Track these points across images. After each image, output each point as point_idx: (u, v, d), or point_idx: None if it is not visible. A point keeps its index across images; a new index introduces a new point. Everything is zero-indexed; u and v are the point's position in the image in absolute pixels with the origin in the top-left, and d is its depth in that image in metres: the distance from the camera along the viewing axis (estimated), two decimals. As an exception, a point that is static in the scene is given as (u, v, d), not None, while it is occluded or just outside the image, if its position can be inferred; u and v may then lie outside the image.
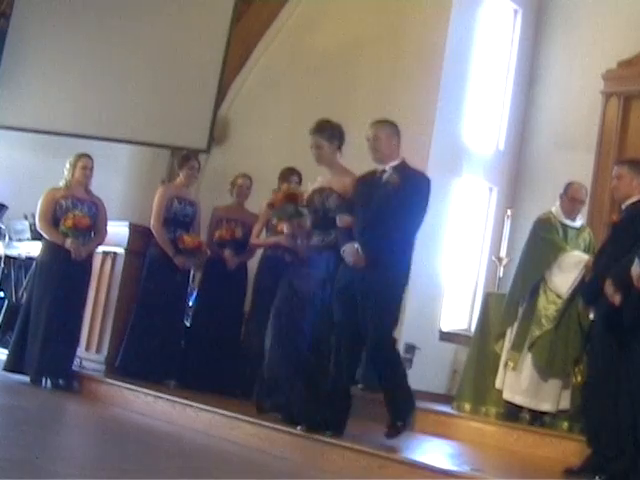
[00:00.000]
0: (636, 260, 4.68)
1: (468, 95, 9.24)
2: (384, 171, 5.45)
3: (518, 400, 6.49)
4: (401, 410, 5.42)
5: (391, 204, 5.31)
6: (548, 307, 6.43)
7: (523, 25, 9.69)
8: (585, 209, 7.85)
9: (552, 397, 6.37)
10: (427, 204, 5.43)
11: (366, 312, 5.28)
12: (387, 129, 5.51)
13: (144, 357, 7.03)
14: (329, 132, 5.70)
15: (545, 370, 6.38)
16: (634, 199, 5.23)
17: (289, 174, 7.07)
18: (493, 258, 8.34)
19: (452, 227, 9.08)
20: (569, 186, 6.70)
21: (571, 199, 6.64)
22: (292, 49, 10.40)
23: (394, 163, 5.45)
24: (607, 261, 5.14)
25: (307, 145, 5.80)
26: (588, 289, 5.46)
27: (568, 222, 6.66)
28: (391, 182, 5.38)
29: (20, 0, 9.59)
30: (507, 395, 6.55)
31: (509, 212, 8.13)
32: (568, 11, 9.46)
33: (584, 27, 9.25)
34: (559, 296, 6.40)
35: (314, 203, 5.70)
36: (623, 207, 5.34)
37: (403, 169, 5.45)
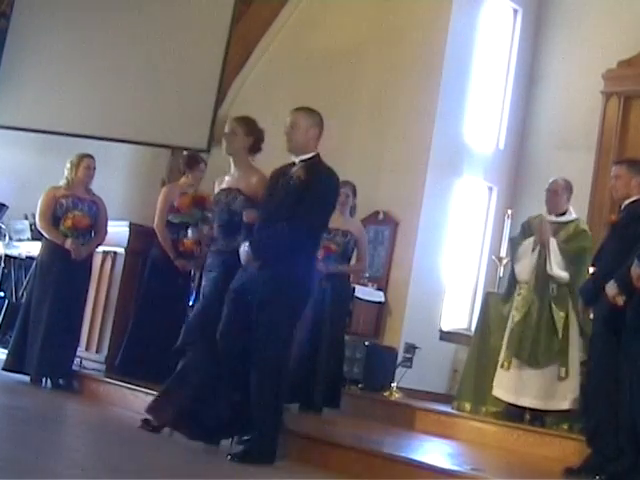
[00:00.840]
0: (636, 260, 4.68)
1: (468, 95, 9.25)
2: (294, 164, 4.98)
3: (498, 393, 6.53)
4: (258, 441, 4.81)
5: (292, 200, 4.82)
6: (517, 298, 6.61)
7: (523, 25, 9.70)
8: (585, 209, 7.85)
9: (534, 391, 6.37)
10: (331, 204, 5.02)
11: (257, 319, 4.79)
12: (308, 118, 5.00)
13: (144, 357, 7.01)
14: (250, 127, 5.32)
15: (519, 361, 6.43)
16: (633, 198, 5.23)
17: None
18: (493, 258, 8.34)
19: (452, 227, 9.09)
20: None
21: (546, 191, 6.65)
22: (292, 49, 10.41)
23: (305, 157, 4.95)
24: (606, 261, 5.14)
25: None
26: (587, 289, 5.45)
27: (552, 218, 6.65)
28: (295, 177, 4.89)
29: (20, 0, 9.60)
30: (494, 390, 6.59)
31: (509, 212, 8.13)
32: (568, 11, 9.47)
33: (584, 27, 9.26)
34: (525, 283, 6.54)
35: (221, 202, 5.28)
36: (622, 207, 5.35)
37: (313, 164, 4.93)
